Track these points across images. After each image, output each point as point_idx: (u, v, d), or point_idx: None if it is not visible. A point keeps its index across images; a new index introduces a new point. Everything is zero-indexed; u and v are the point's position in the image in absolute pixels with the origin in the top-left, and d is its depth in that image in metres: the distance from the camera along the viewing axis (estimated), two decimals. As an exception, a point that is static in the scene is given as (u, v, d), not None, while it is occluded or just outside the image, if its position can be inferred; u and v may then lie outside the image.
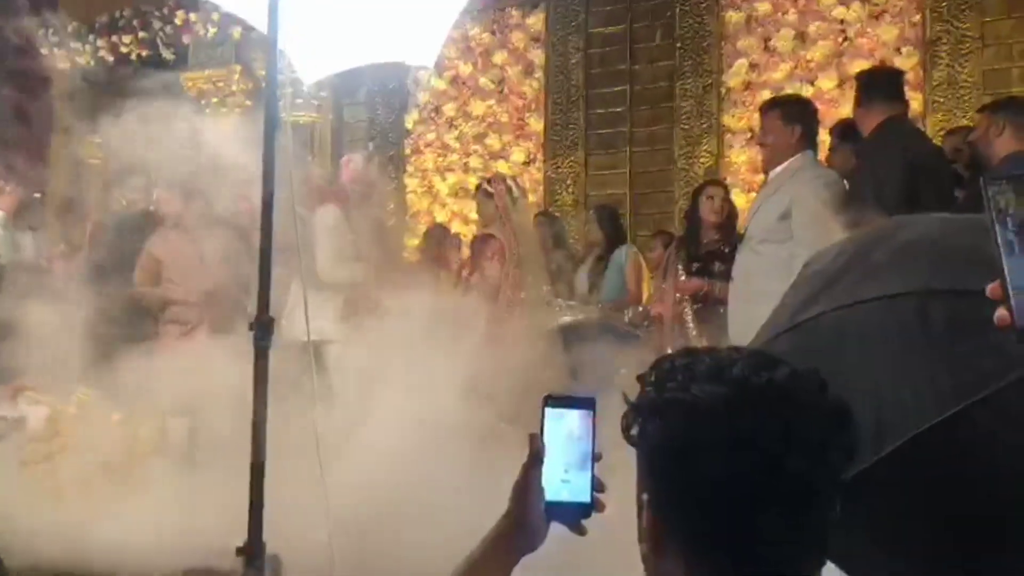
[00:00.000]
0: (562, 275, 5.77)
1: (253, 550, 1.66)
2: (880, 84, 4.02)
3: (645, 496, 0.97)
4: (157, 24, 8.38)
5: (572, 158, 7.46)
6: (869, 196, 3.53)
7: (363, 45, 2.18)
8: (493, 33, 7.83)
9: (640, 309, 5.09)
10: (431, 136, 8.03)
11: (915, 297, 1.41)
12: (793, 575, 0.93)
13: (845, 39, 6.65)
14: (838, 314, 1.56)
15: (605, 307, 5.30)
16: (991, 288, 0.85)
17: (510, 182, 4.95)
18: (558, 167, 7.49)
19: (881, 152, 3.74)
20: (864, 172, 3.81)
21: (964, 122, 5.52)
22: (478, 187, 5.26)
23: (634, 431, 0.97)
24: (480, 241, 5.01)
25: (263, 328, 1.74)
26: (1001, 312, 0.84)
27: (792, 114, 4.03)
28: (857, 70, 5.00)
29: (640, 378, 0.99)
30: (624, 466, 1.04)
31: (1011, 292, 0.82)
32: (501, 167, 7.69)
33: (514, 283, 4.63)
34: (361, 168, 5.09)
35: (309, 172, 5.22)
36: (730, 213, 4.73)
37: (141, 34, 8.47)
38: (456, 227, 7.66)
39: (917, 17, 6.42)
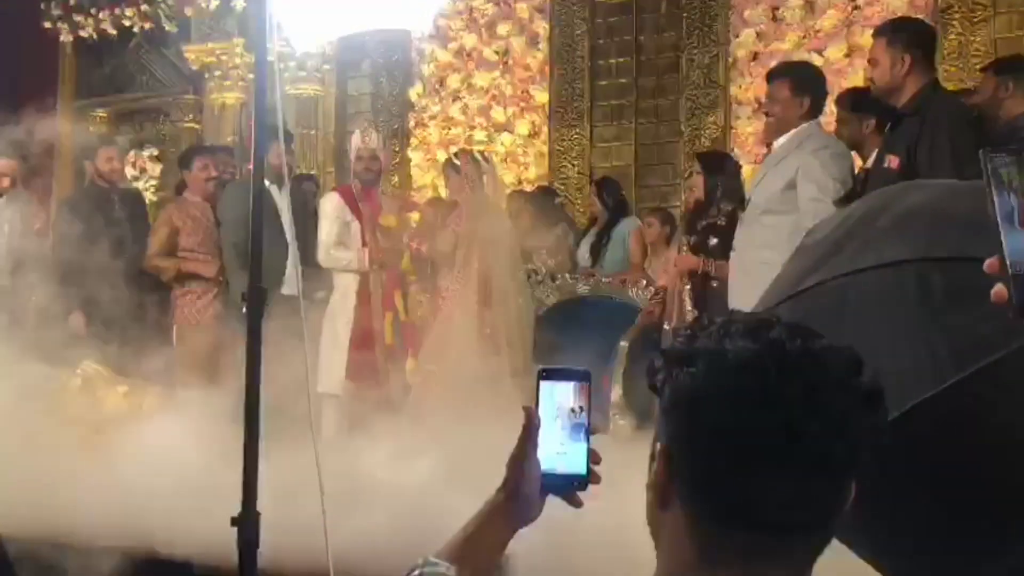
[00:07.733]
0: (562, 249, 5.76)
1: (247, 520, 1.65)
2: (928, 42, 3.57)
3: (659, 445, 0.97)
4: (159, -5, 8.30)
5: (577, 130, 7.40)
6: (946, 173, 3.03)
7: (356, 12, 2.14)
8: (497, 4, 7.75)
9: (644, 282, 5.05)
10: (435, 109, 7.96)
11: (915, 265, 1.39)
12: (792, 543, 0.91)
13: (855, 8, 6.54)
14: (839, 282, 1.54)
15: (606, 280, 5.27)
16: (989, 263, 0.84)
17: (477, 154, 5.07)
18: (563, 139, 7.43)
19: (950, 124, 3.32)
20: (934, 148, 3.28)
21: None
22: (447, 161, 5.40)
23: (659, 378, 0.95)
24: (434, 208, 5.36)
25: (256, 299, 1.71)
26: (999, 288, 0.83)
27: (803, 84, 3.80)
28: (867, 38, 4.47)
29: (675, 331, 1.00)
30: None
31: (1009, 267, 0.81)
32: (505, 140, 7.63)
33: (469, 256, 4.82)
34: (374, 143, 5.25)
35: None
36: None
37: (143, 7, 8.39)
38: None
39: (928, -15, 6.32)
